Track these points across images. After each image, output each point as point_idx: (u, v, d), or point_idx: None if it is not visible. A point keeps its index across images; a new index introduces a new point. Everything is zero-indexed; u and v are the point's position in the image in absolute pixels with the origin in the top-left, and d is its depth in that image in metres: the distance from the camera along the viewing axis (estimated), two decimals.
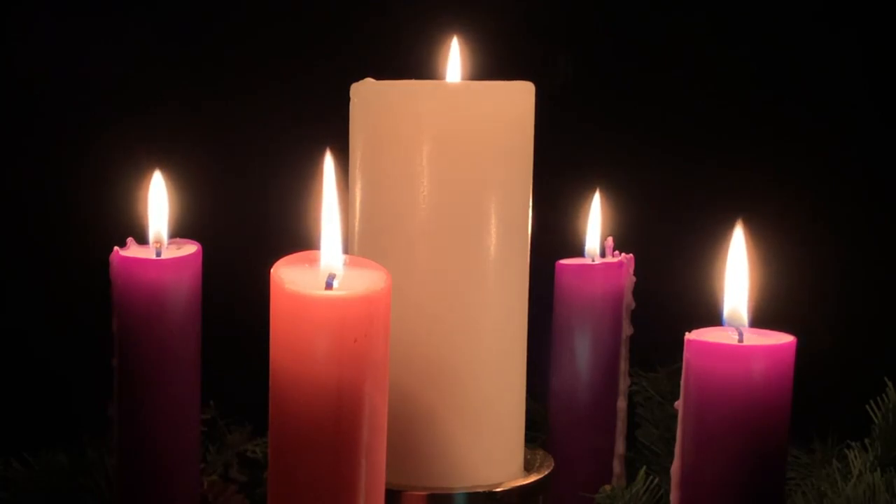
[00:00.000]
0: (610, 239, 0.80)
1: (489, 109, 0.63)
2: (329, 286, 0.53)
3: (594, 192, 0.82)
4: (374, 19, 0.96)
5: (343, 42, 0.95)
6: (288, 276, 0.53)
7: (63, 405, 0.89)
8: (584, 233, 0.81)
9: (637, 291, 0.78)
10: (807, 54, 0.95)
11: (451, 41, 0.71)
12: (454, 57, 0.70)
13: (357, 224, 0.65)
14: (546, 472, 0.67)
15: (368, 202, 0.65)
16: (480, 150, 0.63)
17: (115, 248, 0.68)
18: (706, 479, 0.58)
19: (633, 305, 0.77)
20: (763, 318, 0.62)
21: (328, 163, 0.56)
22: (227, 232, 0.88)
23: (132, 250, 0.68)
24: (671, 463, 0.60)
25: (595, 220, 0.81)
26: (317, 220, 0.56)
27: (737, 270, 0.62)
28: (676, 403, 0.60)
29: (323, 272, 0.54)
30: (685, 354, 0.59)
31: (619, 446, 0.78)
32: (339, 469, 0.52)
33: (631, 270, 0.78)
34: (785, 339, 0.59)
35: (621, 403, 0.77)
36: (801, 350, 0.59)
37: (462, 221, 0.63)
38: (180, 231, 0.72)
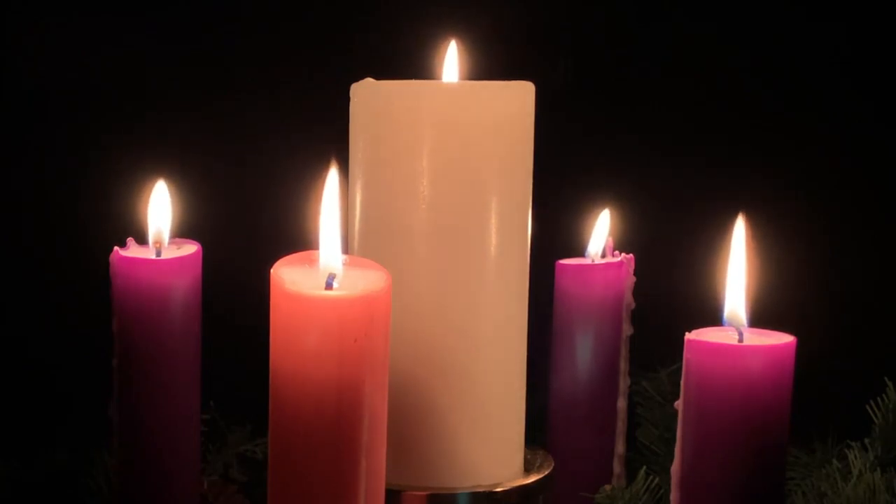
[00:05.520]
0: (610, 239, 0.80)
1: (489, 109, 0.63)
2: (329, 286, 0.53)
3: (602, 208, 0.82)
4: (374, 19, 0.96)
5: (343, 42, 0.95)
6: (288, 275, 0.53)
7: (63, 405, 0.89)
8: (585, 234, 0.81)
9: (637, 291, 0.78)
10: (806, 54, 0.95)
11: (450, 41, 0.71)
12: (454, 57, 0.70)
13: (357, 224, 0.65)
14: (546, 472, 0.67)
15: (368, 202, 0.65)
16: (480, 150, 0.63)
17: (115, 247, 0.68)
18: (706, 479, 0.59)
19: (633, 305, 0.77)
20: (763, 318, 0.62)
21: (332, 173, 0.57)
22: (227, 232, 0.87)
23: (132, 250, 0.68)
24: (671, 463, 0.60)
25: (600, 229, 0.81)
26: (317, 220, 0.56)
27: (736, 266, 0.62)
28: (676, 403, 0.60)
29: (323, 272, 0.54)
30: (685, 354, 0.59)
31: (619, 446, 0.78)
32: (339, 469, 0.52)
33: (631, 270, 0.78)
34: (785, 339, 0.59)
35: (621, 403, 0.77)
36: (801, 350, 0.59)
37: (462, 221, 0.63)
38: (180, 231, 0.72)
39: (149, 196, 0.71)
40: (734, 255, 0.63)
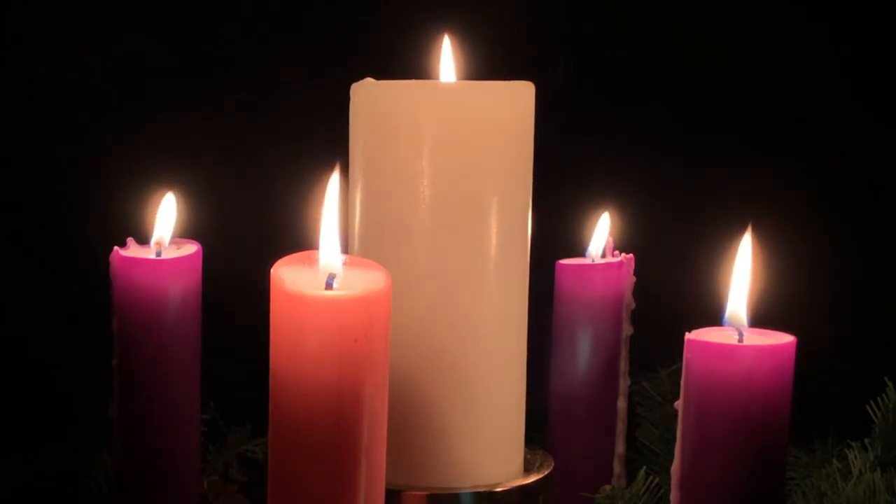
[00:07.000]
0: (610, 239, 0.80)
1: (489, 109, 0.63)
2: (329, 286, 0.53)
3: (602, 208, 0.82)
4: (374, 19, 0.96)
5: (343, 42, 0.95)
6: (288, 275, 0.53)
7: (63, 405, 0.89)
8: (585, 234, 0.81)
9: (637, 291, 0.78)
10: (806, 54, 0.95)
11: (451, 41, 0.71)
12: (454, 57, 0.70)
13: (357, 224, 0.65)
14: (546, 472, 0.67)
15: (368, 202, 0.65)
16: (480, 149, 0.63)
17: (115, 247, 0.68)
18: (706, 479, 0.59)
19: (633, 305, 0.77)
20: (763, 318, 0.62)
21: (335, 175, 0.57)
22: (227, 232, 0.87)
23: (132, 250, 0.68)
24: (671, 463, 0.60)
25: (601, 232, 0.81)
26: (317, 220, 0.56)
27: (741, 273, 0.62)
28: (676, 403, 0.60)
29: (323, 272, 0.54)
30: (685, 354, 0.59)
31: (619, 446, 0.78)
32: (339, 469, 0.52)
33: (631, 270, 0.77)
34: (785, 339, 0.59)
35: (621, 403, 0.77)
36: (801, 350, 0.59)
37: (462, 221, 0.63)
38: (181, 232, 0.72)
39: (154, 204, 0.71)
40: (741, 259, 0.62)
